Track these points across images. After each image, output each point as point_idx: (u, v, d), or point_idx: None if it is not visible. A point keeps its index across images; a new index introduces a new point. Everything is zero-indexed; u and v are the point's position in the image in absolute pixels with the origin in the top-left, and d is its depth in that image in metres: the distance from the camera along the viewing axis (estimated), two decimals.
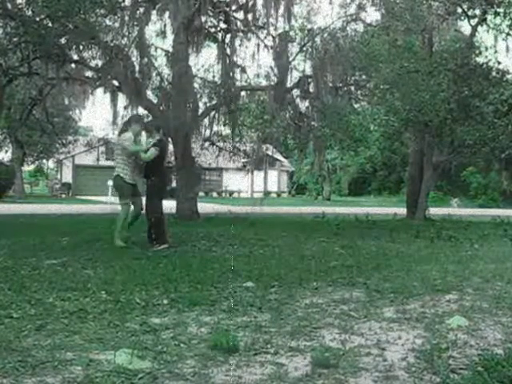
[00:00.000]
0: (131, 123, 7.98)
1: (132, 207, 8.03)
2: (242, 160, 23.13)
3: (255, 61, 16.70)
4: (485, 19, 16.12)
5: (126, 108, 15.13)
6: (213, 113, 16.10)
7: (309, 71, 15.42)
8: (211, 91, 16.55)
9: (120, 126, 8.04)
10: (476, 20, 16.40)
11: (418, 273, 5.99)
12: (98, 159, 20.54)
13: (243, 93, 16.88)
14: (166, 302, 4.32)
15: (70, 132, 35.82)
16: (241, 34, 14.85)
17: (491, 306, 4.40)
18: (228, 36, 14.84)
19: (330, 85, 15.01)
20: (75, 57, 14.04)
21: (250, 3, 14.31)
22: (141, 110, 15.72)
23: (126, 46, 13.99)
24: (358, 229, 12.36)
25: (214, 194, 46.27)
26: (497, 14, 15.60)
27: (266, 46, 14.85)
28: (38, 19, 11.91)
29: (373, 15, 47.31)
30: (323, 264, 6.49)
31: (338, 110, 16.11)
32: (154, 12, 14.27)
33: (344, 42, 14.86)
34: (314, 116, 16.52)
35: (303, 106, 16.36)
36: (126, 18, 13.76)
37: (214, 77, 16.59)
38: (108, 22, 14.14)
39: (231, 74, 14.92)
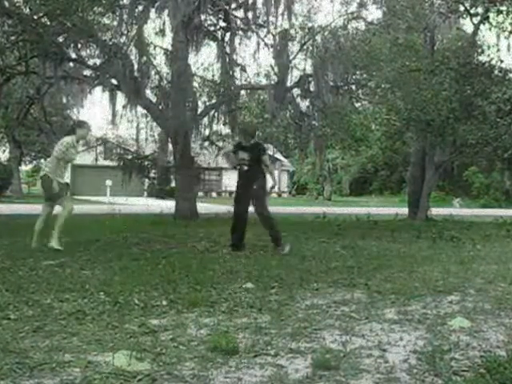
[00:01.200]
0: (75, 128, 7.89)
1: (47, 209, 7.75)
2: None
3: (255, 59, 16.69)
4: (487, 17, 16.11)
5: (124, 107, 15.15)
6: (212, 112, 16.11)
7: (309, 70, 15.42)
8: (211, 90, 16.57)
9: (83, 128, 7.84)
10: (478, 18, 16.39)
11: (420, 273, 5.99)
12: (96, 159, 20.54)
13: (243, 92, 16.91)
14: (165, 303, 4.32)
15: (68, 131, 35.80)
16: (241, 32, 14.86)
17: (494, 308, 4.40)
18: (228, 34, 14.85)
19: (331, 84, 15.01)
20: (73, 55, 14.05)
21: (250, 1, 14.32)
22: (139, 109, 15.75)
23: (125, 45, 14.00)
24: (359, 229, 12.35)
25: (214, 194, 46.27)
26: (499, 12, 15.59)
27: (266, 44, 14.86)
28: (35, 17, 11.93)
29: (374, 13, 47.14)
30: (324, 265, 6.49)
31: (339, 110, 16.12)
32: (153, 10, 14.27)
33: (345, 40, 14.86)
34: (315, 115, 16.52)
35: (304, 105, 16.37)
36: (125, 16, 13.78)
37: (213, 76, 16.60)
38: (106, 21, 14.18)
39: (231, 72, 14.93)
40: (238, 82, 15.50)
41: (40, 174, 7.93)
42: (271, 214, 8.02)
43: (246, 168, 7.80)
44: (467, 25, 18.36)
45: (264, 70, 17.09)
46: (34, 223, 7.69)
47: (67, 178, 7.94)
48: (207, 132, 17.24)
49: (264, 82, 17.01)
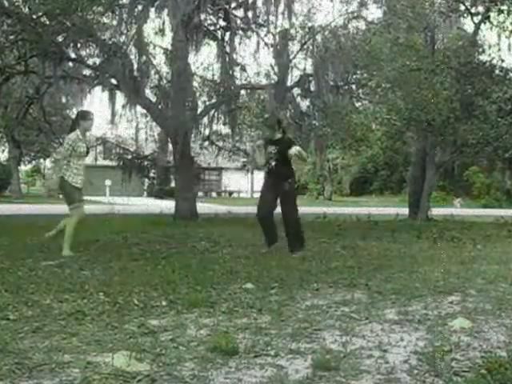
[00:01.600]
0: (78, 120, 7.39)
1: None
2: (242, 160, 23.14)
3: (255, 59, 16.68)
4: (488, 17, 16.12)
5: (124, 107, 15.14)
6: (212, 112, 16.10)
7: (309, 70, 15.41)
8: (211, 90, 16.57)
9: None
10: (479, 17, 16.40)
11: (420, 274, 5.98)
12: (95, 159, 20.55)
13: (243, 91, 16.88)
14: (164, 303, 4.31)
15: (68, 131, 35.79)
16: (241, 31, 14.84)
17: (494, 308, 4.39)
18: (228, 34, 14.82)
19: (331, 83, 15.00)
20: (73, 55, 14.04)
21: (250, 1, 14.30)
22: (139, 109, 15.74)
23: (124, 44, 13.98)
24: (359, 229, 12.36)
25: (214, 194, 46.26)
26: (500, 11, 15.60)
27: (266, 44, 14.84)
28: (35, 17, 11.92)
29: (375, 13, 47.14)
30: (324, 265, 6.49)
31: (340, 109, 16.11)
32: (153, 9, 14.26)
33: (345, 40, 14.85)
34: (315, 115, 16.52)
35: (304, 104, 16.36)
36: (124, 15, 13.77)
37: (213, 75, 16.60)
38: (106, 20, 14.18)
39: (231, 72, 14.91)
40: (237, 82, 15.49)
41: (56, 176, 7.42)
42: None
43: (273, 163, 7.42)
44: (468, 24, 18.39)
45: (264, 69, 17.09)
46: (33, 223, 7.67)
47: (81, 181, 7.21)
48: (207, 132, 17.24)
49: (264, 81, 17.00)
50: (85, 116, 7.47)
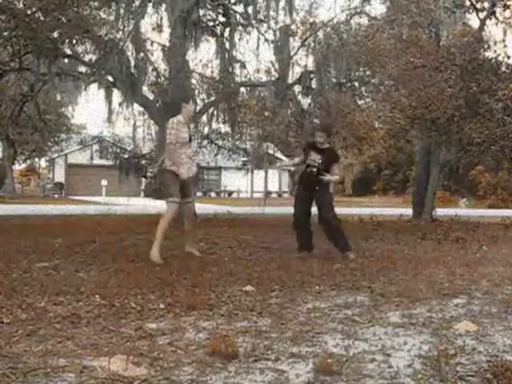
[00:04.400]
0: (180, 104, 6.99)
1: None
2: (242, 159, 23.11)
3: (255, 56, 16.68)
4: (494, 12, 16.12)
5: (120, 105, 15.14)
6: (211, 110, 16.10)
7: (311, 66, 15.42)
8: (210, 87, 16.54)
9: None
10: (485, 13, 16.40)
11: (425, 276, 5.99)
12: (91, 158, 20.59)
13: (243, 89, 16.87)
14: (162, 306, 4.32)
15: (63, 130, 35.88)
16: (240, 27, 14.83)
17: (500, 311, 4.39)
18: (227, 30, 14.83)
19: (333, 81, 15.02)
20: (68, 51, 14.04)
21: None
22: (136, 107, 15.75)
23: (121, 40, 13.99)
24: (362, 230, 12.34)
25: (213, 194, 46.27)
26: (506, 6, 15.60)
27: (266, 40, 14.84)
28: (29, 12, 11.91)
29: (378, 8, 47.21)
30: (326, 267, 6.49)
31: (342, 107, 16.11)
32: (150, 5, 14.26)
33: (348, 36, 14.86)
34: (317, 113, 16.52)
35: (305, 102, 16.38)
36: (121, 10, 13.77)
37: (212, 72, 16.58)
38: (102, 15, 14.16)
39: (230, 69, 14.91)
40: (237, 79, 15.49)
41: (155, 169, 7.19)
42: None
43: (314, 170, 7.30)
44: (473, 20, 18.39)
45: (264, 66, 17.10)
46: (28, 224, 7.68)
47: (185, 171, 6.83)
48: (206, 130, 17.25)
49: (264, 78, 17.00)
50: (186, 100, 7.16)
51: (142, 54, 14.41)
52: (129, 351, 3.14)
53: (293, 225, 7.68)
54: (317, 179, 7.29)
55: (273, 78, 15.93)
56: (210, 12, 14.97)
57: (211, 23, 15.05)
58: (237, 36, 14.81)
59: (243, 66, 15.57)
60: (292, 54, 15.24)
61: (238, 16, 14.71)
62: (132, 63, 14.06)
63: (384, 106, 17.67)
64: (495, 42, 16.55)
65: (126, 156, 17.74)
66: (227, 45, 14.75)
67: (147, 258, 6.85)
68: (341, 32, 14.90)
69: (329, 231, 7.48)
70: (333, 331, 3.73)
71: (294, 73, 15.58)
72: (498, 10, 16.00)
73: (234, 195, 46.52)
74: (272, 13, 14.33)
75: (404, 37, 15.06)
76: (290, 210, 7.89)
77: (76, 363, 2.97)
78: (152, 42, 15.74)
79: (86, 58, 14.53)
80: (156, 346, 3.30)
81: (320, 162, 7.31)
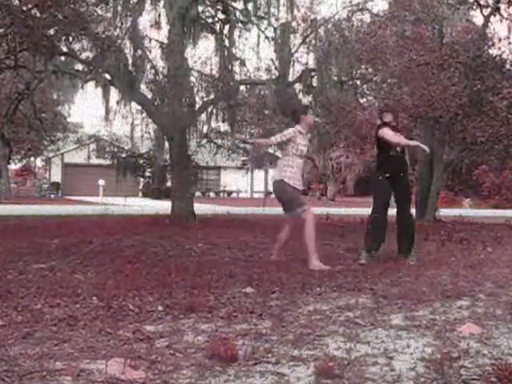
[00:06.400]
0: (298, 116, 6.83)
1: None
2: (242, 158, 23.12)
3: (255, 53, 16.69)
4: (498, 9, 16.12)
5: (118, 103, 15.15)
6: (210, 108, 16.10)
7: (312, 64, 15.42)
8: (209, 85, 16.54)
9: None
10: (489, 10, 16.40)
11: (428, 277, 5.98)
12: (88, 157, 20.61)
13: (243, 87, 16.89)
14: (160, 308, 4.32)
15: (59, 128, 35.83)
16: (240, 24, 14.83)
17: (505, 313, 4.39)
18: (227, 27, 14.83)
19: (335, 78, 15.01)
20: (64, 49, 14.03)
21: None
22: (134, 105, 15.75)
23: (119, 38, 13.98)
24: (363, 231, 12.32)
25: (212, 194, 46.26)
26: (511, 3, 15.61)
27: (266, 37, 14.84)
28: (25, 9, 11.90)
29: (380, 4, 47.28)
30: (327, 268, 6.48)
31: (343, 106, 16.11)
32: (148, 1, 14.26)
33: (349, 33, 14.87)
34: (318, 112, 16.53)
35: (306, 100, 16.36)
36: (119, 7, 13.76)
37: (211, 70, 16.59)
38: (99, 12, 14.14)
39: (230, 67, 14.91)
40: (237, 77, 15.49)
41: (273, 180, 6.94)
42: None
43: (399, 152, 6.92)
44: (477, 16, 18.38)
45: (264, 64, 17.12)
46: (23, 225, 7.69)
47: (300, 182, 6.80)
48: (205, 129, 17.25)
49: (264, 76, 17.02)
50: (305, 111, 7.05)
51: (139, 52, 14.40)
52: (126, 354, 3.14)
53: (371, 226, 7.26)
54: (404, 161, 6.94)
55: (273, 76, 15.94)
56: (209, 8, 14.97)
57: (210, 20, 15.04)
58: (236, 33, 14.82)
59: (243, 63, 15.57)
60: (293, 51, 15.24)
61: (237, 13, 14.71)
62: (130, 61, 14.06)
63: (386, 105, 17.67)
64: (500, 39, 16.55)
65: (124, 155, 17.75)
66: (227, 42, 14.75)
67: (144, 259, 6.86)
68: (342, 29, 14.91)
69: (407, 231, 7.22)
70: (334, 334, 3.73)
71: (295, 71, 15.59)
72: (503, 7, 16.00)
73: (234, 195, 46.52)
74: (272, 9, 14.33)
75: (407, 34, 15.06)
76: None
77: (73, 366, 2.97)
78: (150, 40, 15.73)
79: (83, 56, 14.52)
80: (154, 349, 3.30)
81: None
